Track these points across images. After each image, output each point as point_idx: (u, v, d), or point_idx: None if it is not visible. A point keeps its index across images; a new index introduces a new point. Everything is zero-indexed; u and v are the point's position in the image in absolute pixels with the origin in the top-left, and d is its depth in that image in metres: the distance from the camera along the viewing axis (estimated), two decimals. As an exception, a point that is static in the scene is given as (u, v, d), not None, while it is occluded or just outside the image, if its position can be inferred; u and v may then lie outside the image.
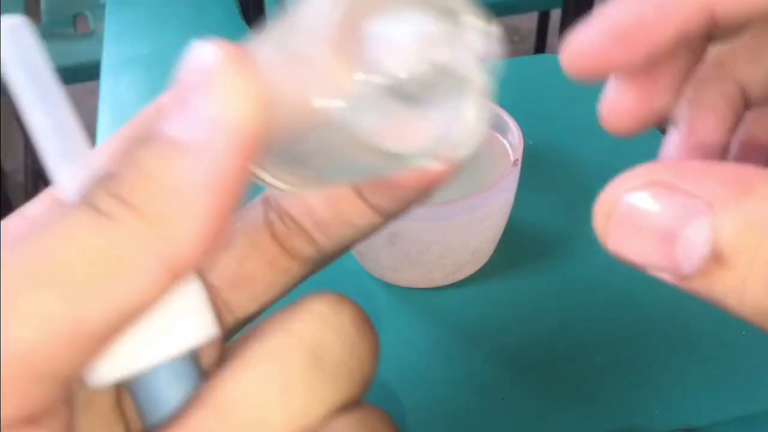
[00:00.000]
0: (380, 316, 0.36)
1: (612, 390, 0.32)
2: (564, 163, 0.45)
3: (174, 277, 0.13)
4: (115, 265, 0.12)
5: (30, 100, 0.14)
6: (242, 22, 0.63)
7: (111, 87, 0.55)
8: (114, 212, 0.12)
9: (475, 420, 0.31)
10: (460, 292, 0.37)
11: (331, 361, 0.14)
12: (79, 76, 1.15)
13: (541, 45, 1.65)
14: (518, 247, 0.39)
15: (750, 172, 0.12)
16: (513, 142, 0.36)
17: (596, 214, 0.14)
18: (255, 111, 0.12)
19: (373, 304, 0.36)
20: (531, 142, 0.46)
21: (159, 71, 0.56)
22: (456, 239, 0.34)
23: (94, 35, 1.24)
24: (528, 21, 1.82)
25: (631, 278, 0.37)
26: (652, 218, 0.13)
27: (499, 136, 0.38)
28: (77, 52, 1.17)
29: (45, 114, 0.14)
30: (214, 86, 0.12)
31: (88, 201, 0.12)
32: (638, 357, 0.33)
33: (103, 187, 0.13)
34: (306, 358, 0.13)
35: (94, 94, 0.56)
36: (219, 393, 0.13)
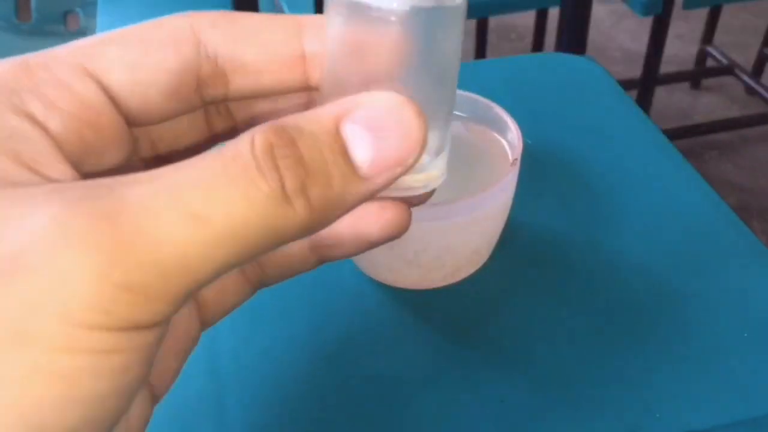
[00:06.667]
0: (377, 318, 0.35)
1: (613, 392, 0.31)
2: (564, 163, 0.44)
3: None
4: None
5: None
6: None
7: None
8: (295, 202, 0.15)
9: (473, 422, 0.30)
10: (459, 293, 0.36)
11: None
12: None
13: (538, 43, 1.65)
14: (517, 247, 0.39)
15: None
16: (512, 141, 0.36)
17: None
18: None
19: (370, 306, 0.36)
20: (530, 142, 0.45)
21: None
22: (454, 240, 0.34)
23: (85, 33, 1.23)
24: (526, 19, 1.81)
25: (631, 279, 0.37)
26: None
27: (497, 135, 0.37)
28: (70, 50, 1.16)
29: None
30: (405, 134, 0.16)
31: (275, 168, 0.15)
32: (639, 359, 0.33)
33: (295, 165, 0.15)
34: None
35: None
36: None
